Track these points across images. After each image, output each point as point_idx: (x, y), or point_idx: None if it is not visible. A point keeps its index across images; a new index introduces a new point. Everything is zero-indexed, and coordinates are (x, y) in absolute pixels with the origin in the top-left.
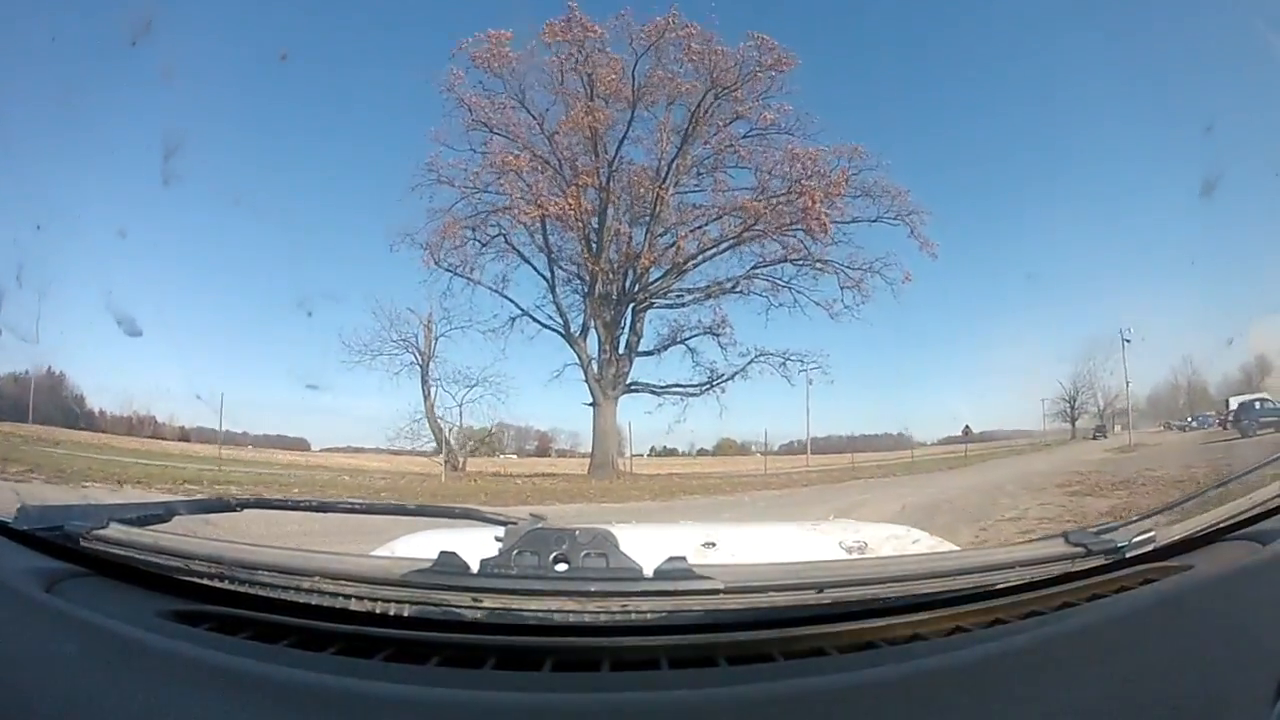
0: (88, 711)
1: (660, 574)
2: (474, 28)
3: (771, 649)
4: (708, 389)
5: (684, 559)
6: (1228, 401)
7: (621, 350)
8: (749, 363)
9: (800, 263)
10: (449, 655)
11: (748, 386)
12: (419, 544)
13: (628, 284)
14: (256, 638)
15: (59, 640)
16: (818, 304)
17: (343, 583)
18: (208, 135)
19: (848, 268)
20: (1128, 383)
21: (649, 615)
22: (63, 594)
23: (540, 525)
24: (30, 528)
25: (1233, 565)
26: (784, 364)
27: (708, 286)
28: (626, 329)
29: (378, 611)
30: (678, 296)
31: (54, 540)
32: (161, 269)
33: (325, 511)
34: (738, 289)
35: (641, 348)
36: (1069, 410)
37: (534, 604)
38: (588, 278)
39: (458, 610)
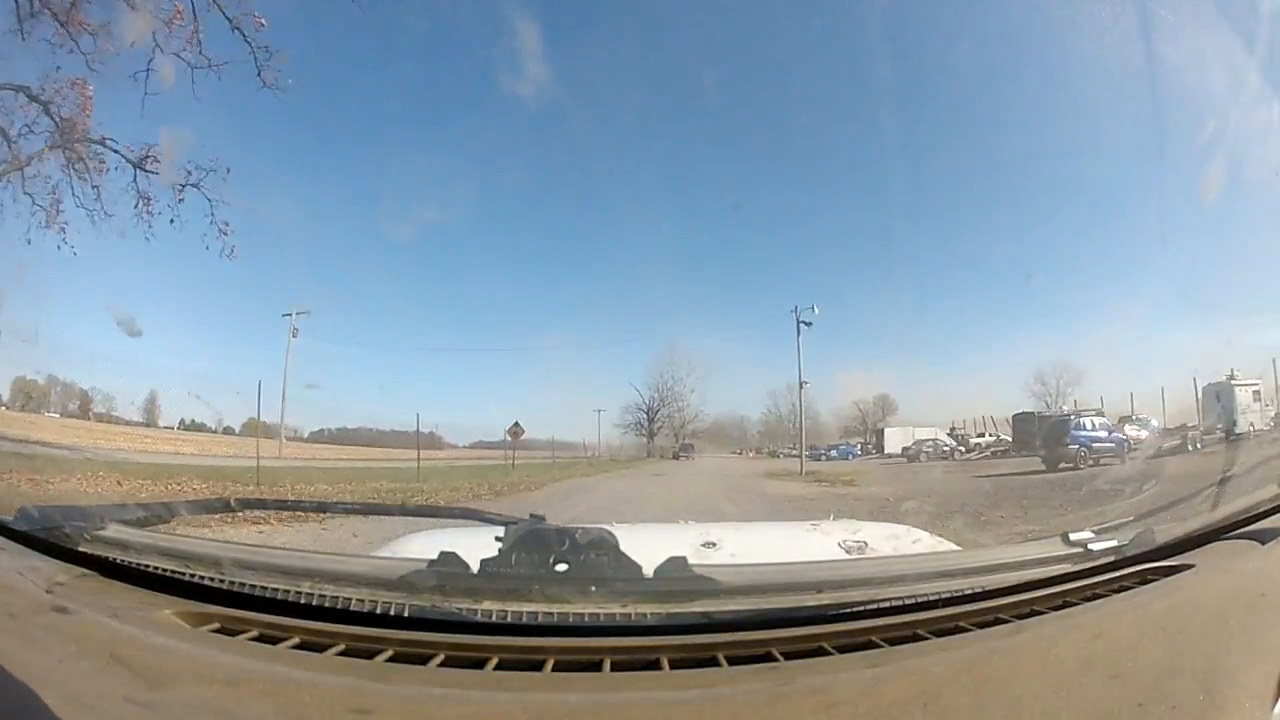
0: (88, 712)
1: (660, 574)
2: None
3: (771, 649)
4: None
5: (684, 559)
6: (881, 432)
7: None
8: None
9: None
10: (450, 656)
11: None
12: (419, 544)
13: None
14: (259, 639)
15: (59, 640)
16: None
17: (344, 584)
18: None
19: None
20: (802, 384)
21: (649, 615)
22: (63, 594)
23: (540, 525)
24: (30, 528)
25: (1233, 565)
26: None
27: None
28: None
29: (379, 612)
30: None
31: (54, 540)
32: None
33: (324, 512)
34: None
35: None
36: (646, 423)
37: (534, 604)
38: None
39: (459, 610)
